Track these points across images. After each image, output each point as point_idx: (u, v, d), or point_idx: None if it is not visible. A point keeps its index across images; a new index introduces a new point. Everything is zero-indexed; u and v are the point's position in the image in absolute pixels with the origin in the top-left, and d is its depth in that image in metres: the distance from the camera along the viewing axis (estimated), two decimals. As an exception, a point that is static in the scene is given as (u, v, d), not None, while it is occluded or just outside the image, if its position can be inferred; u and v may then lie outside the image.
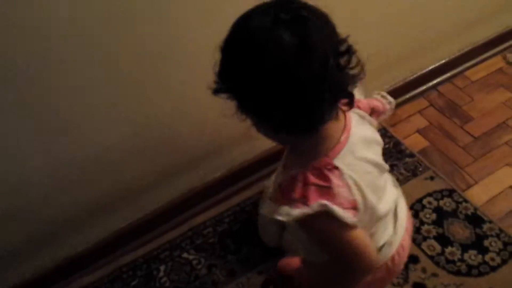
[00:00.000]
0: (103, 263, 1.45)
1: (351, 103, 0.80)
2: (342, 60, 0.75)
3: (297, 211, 0.80)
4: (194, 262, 1.42)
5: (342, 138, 0.84)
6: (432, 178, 1.57)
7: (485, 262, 1.37)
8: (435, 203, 1.51)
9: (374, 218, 0.93)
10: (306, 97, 0.72)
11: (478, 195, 1.53)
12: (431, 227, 1.45)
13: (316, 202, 0.80)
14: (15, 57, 0.96)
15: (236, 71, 0.75)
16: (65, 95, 1.08)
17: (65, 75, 1.05)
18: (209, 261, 1.42)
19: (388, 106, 1.03)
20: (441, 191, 1.54)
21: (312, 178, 0.81)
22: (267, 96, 0.73)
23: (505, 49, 1.97)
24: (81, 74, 1.07)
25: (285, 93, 0.72)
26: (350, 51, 0.76)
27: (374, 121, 0.98)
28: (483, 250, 1.40)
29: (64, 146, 1.17)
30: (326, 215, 0.80)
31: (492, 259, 1.38)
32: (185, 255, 1.44)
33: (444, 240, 1.42)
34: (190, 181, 1.50)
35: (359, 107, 0.95)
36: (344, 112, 0.86)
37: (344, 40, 0.76)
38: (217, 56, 0.78)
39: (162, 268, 1.42)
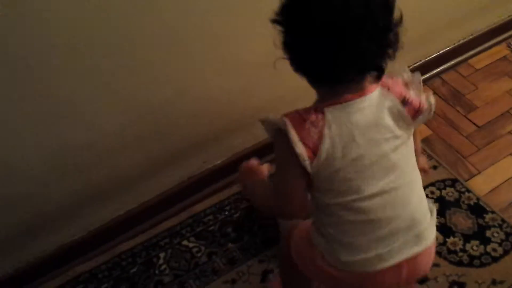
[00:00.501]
0: (102, 251, 1.43)
1: (378, 77, 0.84)
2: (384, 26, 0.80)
3: (271, 117, 0.86)
4: (194, 249, 1.41)
5: (348, 97, 0.84)
6: (435, 167, 1.55)
7: (487, 253, 1.36)
8: (437, 192, 1.49)
9: (348, 191, 0.87)
10: (337, 47, 0.77)
11: (481, 185, 1.52)
12: (433, 217, 1.44)
13: (282, 117, 0.85)
14: (14, 42, 0.94)
15: (290, 8, 0.80)
16: (64, 81, 1.06)
17: (64, 61, 1.03)
18: (209, 249, 1.41)
19: (425, 106, 0.90)
20: (443, 181, 1.52)
21: (300, 109, 0.86)
22: (306, 37, 0.79)
23: (509, 37, 1.94)
24: (80, 60, 1.05)
25: (321, 36, 0.77)
26: (397, 24, 0.82)
27: (407, 116, 0.88)
28: (485, 241, 1.39)
29: (62, 132, 1.15)
30: (285, 135, 0.83)
31: (494, 250, 1.37)
32: (185, 242, 1.43)
33: (446, 230, 1.41)
34: (190, 168, 1.48)
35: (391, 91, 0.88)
36: (370, 85, 0.86)
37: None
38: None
39: (161, 255, 1.41)
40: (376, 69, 0.83)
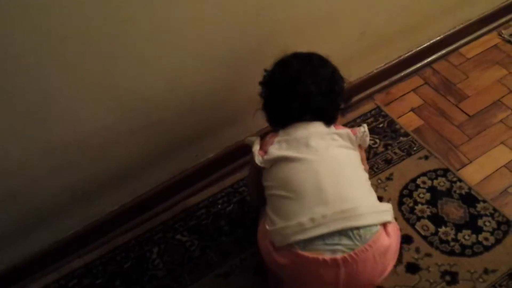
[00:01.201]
0: (95, 246, 1.44)
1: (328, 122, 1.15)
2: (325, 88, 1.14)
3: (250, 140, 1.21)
4: (188, 243, 1.42)
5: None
6: (426, 157, 1.56)
7: (478, 242, 1.37)
8: (429, 182, 1.50)
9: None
10: (281, 100, 1.15)
11: (473, 174, 1.53)
12: (425, 206, 1.45)
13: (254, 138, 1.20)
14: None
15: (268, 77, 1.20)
16: (54, 74, 1.05)
17: (53, 53, 1.01)
18: (202, 242, 1.42)
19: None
20: (435, 171, 1.53)
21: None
22: (271, 95, 1.19)
23: (500, 25, 1.94)
24: (71, 52, 1.03)
25: (275, 95, 1.17)
26: (335, 88, 1.15)
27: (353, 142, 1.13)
28: (477, 230, 1.40)
29: (52, 128, 1.14)
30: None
31: (486, 239, 1.38)
32: (178, 236, 1.43)
33: (438, 220, 1.42)
34: (183, 162, 1.48)
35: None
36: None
37: (336, 79, 1.16)
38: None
39: (155, 250, 1.41)
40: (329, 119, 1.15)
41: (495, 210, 1.43)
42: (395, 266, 1.33)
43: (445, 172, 1.52)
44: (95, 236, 1.44)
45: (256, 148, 1.14)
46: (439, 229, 1.40)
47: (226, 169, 1.56)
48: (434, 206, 1.45)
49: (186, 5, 1.12)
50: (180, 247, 1.41)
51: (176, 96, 1.30)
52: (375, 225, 0.99)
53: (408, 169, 1.54)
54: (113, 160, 1.32)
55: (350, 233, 0.97)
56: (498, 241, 1.37)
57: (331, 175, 1.03)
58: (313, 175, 1.03)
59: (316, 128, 1.11)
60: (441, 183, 1.50)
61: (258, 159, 1.12)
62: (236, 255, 1.38)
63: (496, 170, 1.53)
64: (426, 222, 1.42)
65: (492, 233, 1.39)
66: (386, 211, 1.03)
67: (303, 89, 1.11)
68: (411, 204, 1.46)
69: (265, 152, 1.12)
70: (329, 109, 1.14)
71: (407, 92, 1.76)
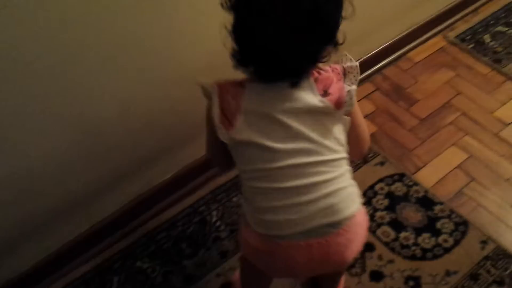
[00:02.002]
0: (53, 279, 1.38)
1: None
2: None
3: (205, 83, 0.94)
4: (149, 270, 1.38)
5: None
6: (382, 163, 1.58)
7: (438, 245, 1.39)
8: (386, 188, 1.52)
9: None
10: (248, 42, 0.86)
11: (428, 177, 1.55)
12: (384, 213, 1.46)
13: (214, 84, 0.93)
14: None
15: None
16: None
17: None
18: (164, 268, 1.38)
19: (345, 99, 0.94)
20: (391, 176, 1.55)
21: (231, 81, 0.94)
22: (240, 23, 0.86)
23: (445, 28, 1.99)
24: (19, 78, 0.99)
25: (244, 26, 0.85)
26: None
27: (328, 103, 0.91)
28: (436, 233, 1.42)
29: (4, 157, 1.09)
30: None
31: (445, 241, 1.40)
32: (138, 263, 1.39)
33: (397, 225, 1.44)
34: (140, 185, 1.45)
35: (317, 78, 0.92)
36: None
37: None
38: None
39: (115, 279, 1.37)
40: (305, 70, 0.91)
41: (452, 211, 1.46)
42: (359, 275, 1.34)
43: (401, 176, 1.54)
44: (53, 269, 1.38)
45: (216, 110, 0.92)
46: (399, 235, 1.42)
47: (184, 190, 1.53)
48: (393, 211, 1.47)
49: (134, 22, 1.09)
50: (141, 274, 1.37)
51: (129, 120, 1.27)
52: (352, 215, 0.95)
53: (365, 176, 1.55)
54: (67, 188, 1.27)
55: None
56: (457, 242, 1.40)
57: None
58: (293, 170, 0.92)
59: (300, 98, 0.90)
60: (398, 188, 1.52)
61: (221, 133, 0.93)
62: (199, 278, 1.35)
63: (450, 172, 1.56)
64: (386, 228, 1.43)
65: (450, 235, 1.41)
66: (358, 199, 0.98)
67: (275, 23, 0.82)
68: (370, 212, 1.47)
69: (232, 125, 0.91)
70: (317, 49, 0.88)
71: (359, 99, 1.77)
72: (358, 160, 0.95)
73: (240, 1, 0.84)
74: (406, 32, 1.88)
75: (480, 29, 1.97)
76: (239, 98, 0.90)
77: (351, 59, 0.96)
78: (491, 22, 2.00)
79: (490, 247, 1.38)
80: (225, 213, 1.49)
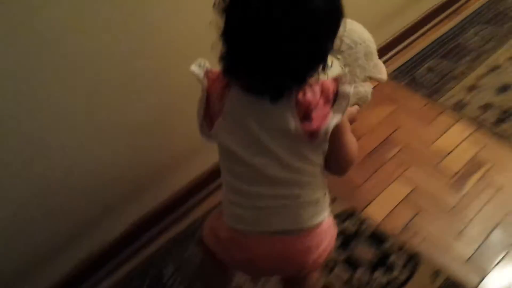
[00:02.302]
0: None
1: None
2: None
3: (197, 72, 0.93)
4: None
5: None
6: (333, 200, 1.60)
7: (393, 279, 1.42)
8: (339, 227, 1.54)
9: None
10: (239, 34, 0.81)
11: (377, 211, 1.59)
12: (338, 253, 1.48)
13: (204, 77, 0.93)
14: None
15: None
16: None
17: None
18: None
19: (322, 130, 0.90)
20: (342, 213, 1.57)
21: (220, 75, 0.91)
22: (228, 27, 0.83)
23: (385, 61, 2.07)
24: None
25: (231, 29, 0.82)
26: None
27: (299, 136, 0.89)
28: (389, 268, 1.45)
29: None
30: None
31: (400, 274, 1.43)
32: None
33: (352, 264, 1.46)
34: (90, 246, 1.41)
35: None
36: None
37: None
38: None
39: None
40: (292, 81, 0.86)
41: (402, 245, 1.49)
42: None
43: (352, 213, 1.57)
44: None
45: (203, 100, 0.94)
46: (354, 274, 1.43)
47: (136, 244, 1.51)
48: (346, 249, 1.49)
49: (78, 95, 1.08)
50: None
51: (74, 180, 1.25)
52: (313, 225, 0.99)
53: (317, 216, 1.57)
54: (15, 253, 1.23)
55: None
56: (411, 274, 1.43)
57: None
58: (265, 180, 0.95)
59: (278, 117, 0.88)
60: (350, 226, 1.54)
61: (203, 130, 0.96)
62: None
63: (397, 205, 1.61)
64: (341, 268, 1.45)
65: (404, 268, 1.44)
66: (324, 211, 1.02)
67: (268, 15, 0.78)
68: (325, 252, 1.48)
69: (212, 126, 0.93)
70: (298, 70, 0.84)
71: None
72: (340, 177, 0.99)
73: (234, 5, 0.81)
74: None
75: (416, 63, 2.06)
76: (223, 100, 0.90)
77: (354, 86, 1.01)
78: (426, 55, 2.10)
79: (441, 278, 1.42)
80: (182, 265, 1.47)
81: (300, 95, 0.86)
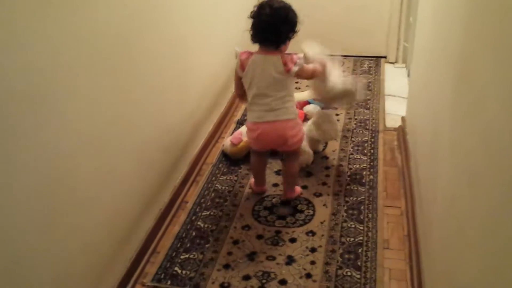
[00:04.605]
0: None
1: (277, 47, 2.08)
2: (279, 31, 2.04)
3: (237, 50, 2.14)
4: None
5: (262, 53, 2.08)
6: None
7: None
8: None
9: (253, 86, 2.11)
10: (257, 31, 2.06)
11: None
12: None
13: (239, 52, 2.11)
14: None
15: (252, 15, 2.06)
16: None
17: None
18: None
19: (293, 69, 2.08)
20: None
21: (247, 51, 2.13)
22: (252, 26, 2.06)
23: (138, 276, 2.01)
24: None
25: (254, 26, 2.05)
26: (288, 21, 2.04)
27: (283, 70, 2.06)
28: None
29: None
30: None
31: None
32: None
33: None
34: None
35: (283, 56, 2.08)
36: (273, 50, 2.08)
37: (290, 16, 2.04)
38: None
39: None
40: (277, 44, 2.05)
41: None
42: None
43: None
44: None
45: (238, 62, 2.10)
46: None
47: None
48: None
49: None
50: None
51: None
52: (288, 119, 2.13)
53: None
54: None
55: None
56: None
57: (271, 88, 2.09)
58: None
59: (269, 58, 2.05)
60: None
61: (239, 72, 2.12)
62: None
63: None
64: None
65: None
66: (294, 115, 2.14)
67: (266, 26, 2.01)
68: None
69: (243, 70, 2.09)
70: (280, 40, 2.04)
71: None
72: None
73: (253, 16, 2.03)
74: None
75: (169, 264, 2.08)
76: (248, 58, 2.06)
77: (302, 56, 2.15)
78: (173, 254, 2.13)
79: None
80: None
81: (283, 57, 2.03)
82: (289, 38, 2.05)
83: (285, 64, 2.02)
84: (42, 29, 1.34)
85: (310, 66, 2.16)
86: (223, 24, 3.08)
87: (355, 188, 2.46)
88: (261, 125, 2.11)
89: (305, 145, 2.51)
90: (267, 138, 2.13)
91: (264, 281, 1.95)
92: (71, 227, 1.55)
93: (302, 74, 2.11)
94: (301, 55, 2.12)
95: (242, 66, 2.07)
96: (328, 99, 2.49)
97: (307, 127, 2.54)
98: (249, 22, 2.05)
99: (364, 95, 2.60)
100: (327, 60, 2.25)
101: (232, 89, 3.26)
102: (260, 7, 2.01)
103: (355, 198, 2.38)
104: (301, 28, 2.06)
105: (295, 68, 2.03)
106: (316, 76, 2.23)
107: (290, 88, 2.09)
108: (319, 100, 2.69)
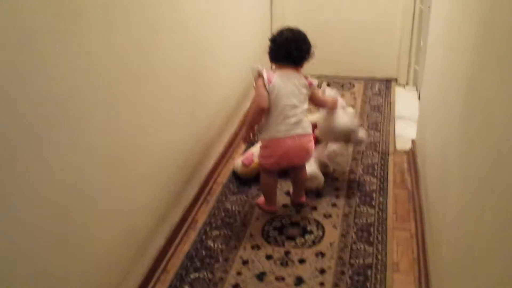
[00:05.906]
0: None
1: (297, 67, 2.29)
2: (300, 49, 2.26)
3: (256, 67, 2.25)
4: None
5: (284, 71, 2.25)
6: None
7: None
8: None
9: (279, 105, 2.22)
10: (279, 50, 2.26)
11: None
12: None
13: (259, 69, 2.23)
14: None
15: (273, 38, 2.29)
16: None
17: None
18: None
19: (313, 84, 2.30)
20: None
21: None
22: (274, 47, 2.28)
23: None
24: None
25: (276, 46, 2.28)
26: (305, 49, 2.28)
27: (307, 85, 2.28)
28: None
29: None
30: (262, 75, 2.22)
31: None
32: None
33: None
34: None
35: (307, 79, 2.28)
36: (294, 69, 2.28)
37: (308, 44, 2.29)
38: None
39: None
40: (298, 61, 2.26)
41: None
42: None
43: None
44: None
45: (265, 76, 2.20)
46: None
47: None
48: None
49: None
50: None
51: None
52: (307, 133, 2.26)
53: None
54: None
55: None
56: None
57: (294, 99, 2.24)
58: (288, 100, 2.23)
59: (293, 74, 2.25)
60: None
61: (266, 85, 2.20)
62: None
63: None
64: None
65: None
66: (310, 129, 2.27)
67: (288, 45, 2.23)
68: None
69: (270, 82, 2.18)
70: (300, 59, 2.26)
71: None
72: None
73: (274, 39, 2.27)
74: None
75: (178, 283, 2.08)
76: (273, 74, 2.20)
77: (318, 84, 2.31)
78: (183, 273, 2.13)
79: None
80: None
81: (303, 74, 2.26)
82: (306, 59, 2.27)
83: (306, 78, 2.25)
84: (64, 49, 1.38)
85: (324, 95, 2.45)
86: (235, 47, 3.13)
87: (365, 210, 2.47)
88: (287, 140, 2.21)
89: (316, 170, 2.54)
90: (293, 153, 2.23)
91: (273, 301, 1.94)
92: (85, 244, 1.57)
93: (316, 94, 2.34)
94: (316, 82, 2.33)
95: (269, 79, 2.19)
96: (331, 135, 2.53)
97: (317, 150, 2.57)
98: (263, 44, 2.32)
99: (366, 135, 2.66)
100: (338, 99, 2.48)
101: (244, 109, 3.29)
102: (281, 30, 2.27)
103: (364, 220, 2.39)
104: (315, 51, 2.27)
105: (315, 82, 2.28)
106: (326, 106, 2.44)
107: (307, 99, 2.29)
108: (322, 137, 2.67)
